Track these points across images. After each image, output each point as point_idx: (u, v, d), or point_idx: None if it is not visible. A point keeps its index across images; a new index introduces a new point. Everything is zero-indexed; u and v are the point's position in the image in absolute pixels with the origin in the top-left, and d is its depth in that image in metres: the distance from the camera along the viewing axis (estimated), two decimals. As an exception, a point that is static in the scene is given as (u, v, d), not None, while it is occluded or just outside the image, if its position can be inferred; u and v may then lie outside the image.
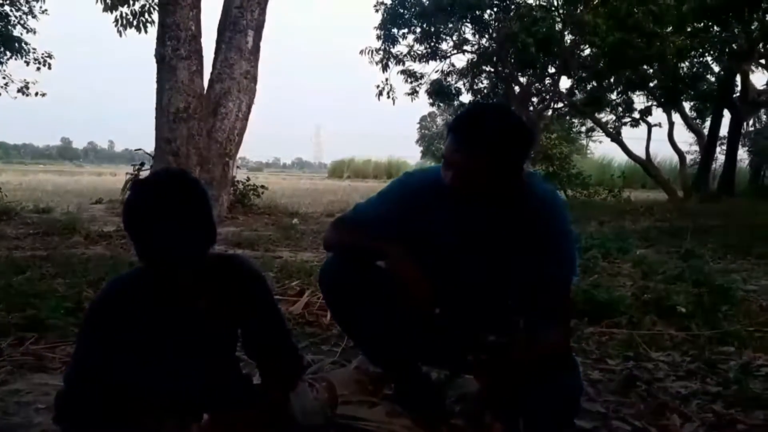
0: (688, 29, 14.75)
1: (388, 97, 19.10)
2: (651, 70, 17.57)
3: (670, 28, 15.07)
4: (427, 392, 2.25)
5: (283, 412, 1.76)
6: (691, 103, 19.77)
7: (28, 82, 16.33)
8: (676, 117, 19.78)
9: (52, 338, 3.12)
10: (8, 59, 16.05)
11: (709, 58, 17.78)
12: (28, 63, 15.91)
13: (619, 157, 23.90)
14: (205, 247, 1.60)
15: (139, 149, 11.19)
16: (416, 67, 19.54)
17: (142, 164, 10.57)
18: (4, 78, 16.22)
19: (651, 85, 18.33)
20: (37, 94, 16.38)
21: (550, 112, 19.98)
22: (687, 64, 17.68)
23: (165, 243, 1.51)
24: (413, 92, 19.96)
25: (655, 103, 19.48)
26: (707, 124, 19.72)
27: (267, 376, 1.83)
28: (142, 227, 1.54)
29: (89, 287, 4.11)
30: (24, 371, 2.71)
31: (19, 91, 16.25)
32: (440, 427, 2.06)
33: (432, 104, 21.59)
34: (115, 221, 8.40)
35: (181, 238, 1.52)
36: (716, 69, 18.33)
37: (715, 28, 15.42)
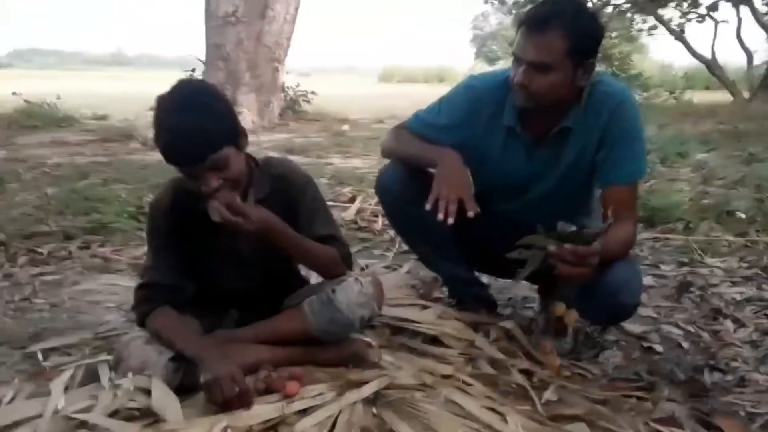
0: None
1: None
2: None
3: None
4: (480, 295, 2.29)
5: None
6: (763, -2, 18.50)
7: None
8: (745, 12, 18.59)
9: (117, 241, 3.27)
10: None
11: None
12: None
13: (681, 58, 22.82)
14: (225, 149, 1.61)
15: (190, 54, 11.18)
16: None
17: (194, 70, 10.58)
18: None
19: (720, -23, 17.17)
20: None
21: (610, 9, 19.02)
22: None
23: (180, 152, 1.56)
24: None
25: (724, -3, 18.31)
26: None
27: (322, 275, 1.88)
28: (160, 139, 1.58)
29: (150, 192, 4.24)
30: (93, 272, 2.86)
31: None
32: (490, 330, 2.11)
33: (485, 2, 20.78)
34: (170, 128, 8.52)
35: (195, 143, 1.54)
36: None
37: None
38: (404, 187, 2.08)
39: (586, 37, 1.81)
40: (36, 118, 8.70)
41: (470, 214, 1.84)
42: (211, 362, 1.54)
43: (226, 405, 1.49)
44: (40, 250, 3.10)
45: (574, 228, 1.64)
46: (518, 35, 1.84)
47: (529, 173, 2.04)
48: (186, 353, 1.61)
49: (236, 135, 1.65)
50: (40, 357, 1.98)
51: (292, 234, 1.72)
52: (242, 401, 1.50)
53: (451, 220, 1.83)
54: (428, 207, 1.86)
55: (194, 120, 1.55)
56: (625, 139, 1.92)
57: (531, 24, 1.80)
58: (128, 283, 2.56)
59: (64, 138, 7.57)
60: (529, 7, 19.07)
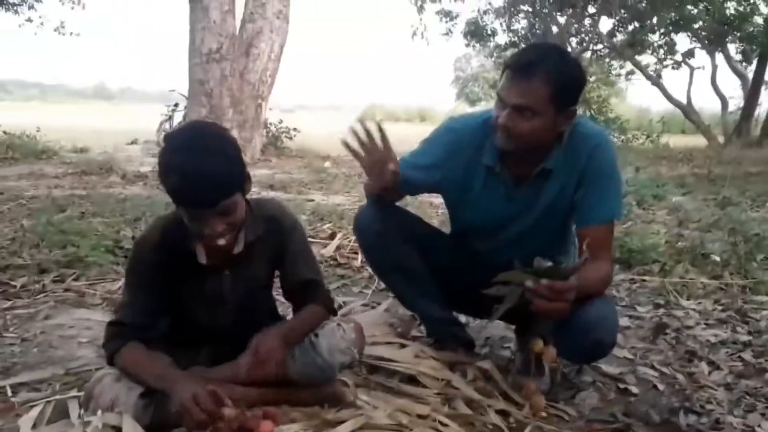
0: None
1: (422, 37, 18.80)
2: (696, 10, 16.91)
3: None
4: (458, 334, 2.29)
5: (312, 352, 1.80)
6: (737, 46, 19.02)
7: (63, 22, 16.38)
8: (720, 60, 19.11)
9: (92, 275, 3.22)
10: (42, -2, 16.09)
11: (757, -2, 17.02)
12: (63, 2, 15.95)
13: (657, 103, 23.31)
14: (235, 196, 1.61)
15: (173, 90, 11.23)
16: (452, 6, 19.13)
17: (177, 105, 10.62)
18: (40, 17, 16.27)
19: (695, 26, 17.65)
20: (71, 33, 16.43)
21: (588, 54, 19.46)
22: (734, 3, 16.96)
23: (194, 195, 1.54)
24: (448, 32, 19.60)
25: (698, 45, 18.81)
26: (752, 67, 19.02)
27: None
28: (172, 179, 1.56)
29: (127, 226, 4.21)
30: (66, 306, 2.82)
31: (55, 30, 16.30)
32: (468, 369, 2.10)
33: (467, 45, 21.16)
34: (150, 161, 8.51)
35: (210, 188, 1.54)
36: (764, 9, 17.56)
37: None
38: (382, 227, 2.09)
39: (569, 85, 1.84)
40: (15, 150, 8.65)
41: (391, 166, 1.87)
42: (180, 389, 1.51)
43: (199, 427, 1.47)
44: (13, 283, 3.05)
45: (550, 263, 1.66)
46: (503, 78, 1.87)
47: (509, 212, 2.06)
48: (154, 385, 1.59)
49: (245, 181, 1.66)
50: (9, 392, 1.94)
51: (293, 336, 1.77)
52: (213, 421, 1.48)
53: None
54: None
55: (213, 165, 1.53)
56: (602, 180, 1.94)
57: (516, 69, 1.83)
58: (102, 317, 2.53)
59: (43, 170, 7.52)
60: (510, 50, 19.44)
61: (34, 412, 1.60)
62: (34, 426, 1.55)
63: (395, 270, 2.19)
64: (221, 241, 1.62)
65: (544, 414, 1.91)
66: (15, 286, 3.01)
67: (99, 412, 1.54)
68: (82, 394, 1.69)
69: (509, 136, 1.86)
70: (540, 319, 1.75)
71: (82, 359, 2.21)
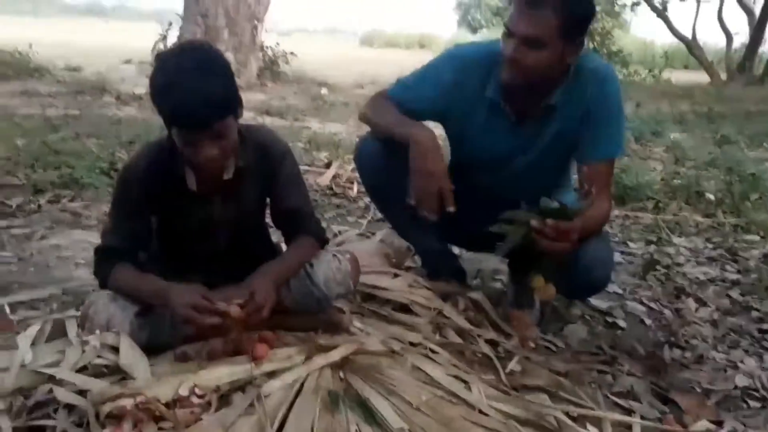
0: None
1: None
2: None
3: None
4: (451, 266, 2.32)
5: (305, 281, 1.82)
6: (747, -21, 18.56)
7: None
8: (728, -7, 18.67)
9: (87, 197, 3.23)
10: None
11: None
12: None
13: (662, 36, 22.88)
14: (228, 119, 1.59)
15: (168, 8, 10.93)
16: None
17: (170, 24, 10.36)
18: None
19: (706, -43, 17.19)
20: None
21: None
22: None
23: (188, 116, 1.52)
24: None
25: (708, -23, 18.36)
26: (760, 2, 18.60)
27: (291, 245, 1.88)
28: (166, 100, 1.54)
29: (122, 148, 4.19)
30: (63, 227, 2.83)
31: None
32: (459, 300, 2.14)
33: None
34: (144, 83, 8.27)
35: (204, 110, 1.51)
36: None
37: None
38: (383, 158, 2.07)
39: (578, 15, 1.81)
40: (7, 67, 8.47)
41: (450, 209, 1.85)
42: (178, 299, 1.54)
43: (203, 332, 1.53)
44: (8, 202, 3.05)
45: (556, 204, 1.66)
46: (512, 9, 1.83)
47: (511, 148, 2.05)
48: (150, 299, 1.62)
49: (238, 104, 1.63)
50: (7, 310, 1.97)
51: (285, 274, 1.75)
52: (217, 325, 1.52)
53: (434, 217, 1.85)
54: (412, 202, 1.88)
55: (207, 84, 1.50)
56: (607, 118, 1.93)
57: (525, 0, 1.79)
58: (97, 239, 2.53)
59: (36, 88, 7.39)
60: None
61: (33, 330, 1.62)
62: (33, 343, 1.57)
63: (393, 201, 2.18)
64: (214, 165, 1.61)
65: (533, 345, 1.95)
66: (11, 206, 3.01)
67: (97, 332, 1.57)
68: (79, 313, 1.71)
69: (517, 70, 1.83)
70: (542, 258, 1.77)
71: (79, 279, 2.24)
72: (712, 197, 3.76)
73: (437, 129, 1.99)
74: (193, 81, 1.49)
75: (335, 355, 1.65)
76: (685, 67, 21.57)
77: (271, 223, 1.96)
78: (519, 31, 1.78)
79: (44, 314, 1.87)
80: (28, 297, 2.07)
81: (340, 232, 2.94)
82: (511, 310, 2.16)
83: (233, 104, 1.59)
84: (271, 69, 10.68)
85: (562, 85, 1.91)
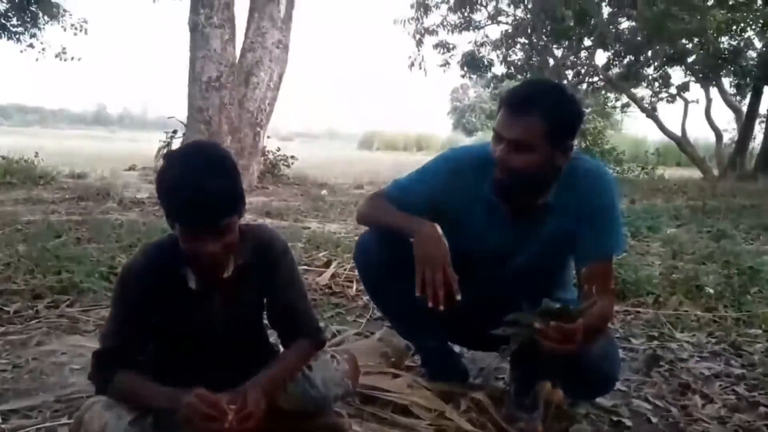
0: (730, 2, 14.29)
1: (420, 68, 19.09)
2: (690, 45, 17.13)
3: (711, 1, 14.64)
4: (452, 366, 2.29)
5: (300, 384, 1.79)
6: (731, 80, 19.25)
7: (64, 48, 16.49)
8: (714, 93, 19.31)
9: (86, 302, 3.22)
10: (46, 24, 16.25)
11: (751, 33, 17.24)
12: (65, 29, 16.11)
13: (653, 134, 23.47)
14: (232, 218, 1.62)
15: (172, 117, 11.29)
16: (449, 38, 19.40)
17: (175, 132, 10.66)
18: (42, 43, 16.40)
19: (690, 60, 17.87)
20: (72, 58, 16.51)
21: (584, 86, 19.65)
22: (728, 38, 17.20)
23: (193, 213, 1.54)
24: (445, 64, 19.83)
25: (693, 78, 19.00)
26: (746, 101, 19.22)
27: (288, 348, 1.86)
28: (171, 196, 1.57)
29: (122, 252, 4.21)
30: (59, 333, 2.81)
31: (56, 56, 16.42)
32: (461, 400, 2.10)
33: (464, 76, 21.41)
34: (147, 188, 8.52)
35: (210, 207, 1.54)
36: (758, 44, 17.81)
37: (758, 1, 14.95)
38: (383, 257, 2.09)
39: (565, 120, 1.85)
40: (13, 175, 8.66)
41: (458, 297, 1.85)
42: (184, 398, 1.51)
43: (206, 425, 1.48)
44: (6, 308, 3.04)
45: (558, 305, 1.66)
46: (500, 113, 1.88)
47: (508, 246, 2.06)
48: (157, 402, 1.58)
49: (243, 204, 1.66)
50: (-1, 419, 1.93)
51: (280, 380, 1.73)
52: (219, 419, 1.48)
53: (441, 307, 1.83)
54: (418, 293, 1.87)
55: (216, 182, 1.53)
56: (603, 215, 1.94)
57: (512, 104, 1.84)
58: (95, 344, 2.51)
59: (40, 195, 7.53)
60: (507, 82, 19.47)
61: (24, 440, 1.59)
62: (24, 454, 1.54)
63: (393, 300, 2.18)
64: (216, 262, 1.62)
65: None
66: (8, 312, 3.00)
67: (89, 441, 1.53)
68: (72, 421, 1.68)
69: (506, 171, 1.86)
70: (547, 361, 1.75)
71: (74, 386, 2.20)
72: (711, 291, 3.75)
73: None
74: (201, 179, 1.51)
75: (334, 461, 1.61)
76: (678, 164, 22.04)
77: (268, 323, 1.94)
78: (507, 135, 1.82)
79: (37, 422, 1.83)
80: (21, 405, 2.03)
81: (338, 332, 2.92)
82: (512, 411, 2.11)
83: (238, 203, 1.63)
84: (273, 172, 10.93)
85: (557, 184, 1.95)
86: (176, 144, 10.27)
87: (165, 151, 10.34)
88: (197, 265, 1.67)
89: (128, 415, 1.60)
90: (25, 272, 3.58)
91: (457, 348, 2.48)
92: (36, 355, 2.52)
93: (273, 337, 1.99)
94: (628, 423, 2.17)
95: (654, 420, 2.21)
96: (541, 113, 1.79)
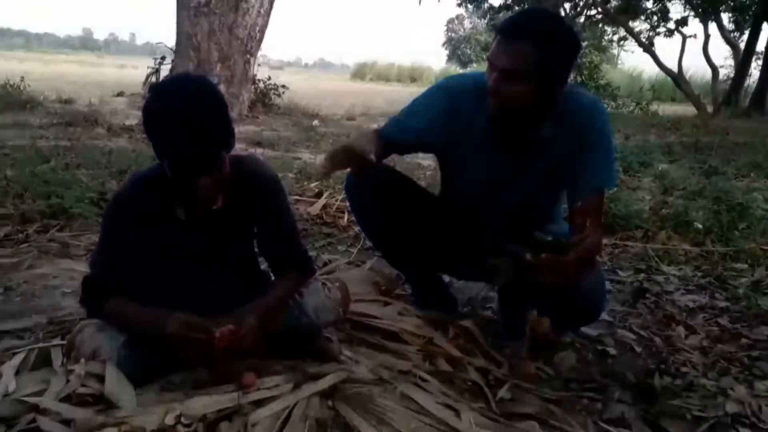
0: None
1: (415, -4, 18.65)
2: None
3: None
4: (441, 295, 2.31)
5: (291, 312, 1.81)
6: (730, 15, 18.95)
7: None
8: (713, 29, 19.05)
9: (76, 227, 3.21)
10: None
11: (752, -34, 16.91)
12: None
13: (648, 70, 23.21)
14: (222, 151, 1.60)
15: (161, 43, 11.04)
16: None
17: (164, 58, 10.44)
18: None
19: (690, -7, 17.55)
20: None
21: (582, 19, 19.31)
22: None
23: (183, 148, 1.52)
24: (441, -8, 19.38)
25: (692, 12, 18.70)
26: (744, 38, 18.98)
27: (278, 277, 1.88)
28: (160, 131, 1.54)
29: (112, 179, 4.18)
30: (50, 257, 2.81)
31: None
32: (449, 328, 2.13)
33: (460, 5, 20.96)
34: (136, 115, 8.38)
35: (199, 142, 1.52)
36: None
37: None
38: (373, 187, 2.07)
39: (559, 50, 1.80)
40: (-1, 100, 8.50)
41: (371, 157, 1.82)
42: (173, 321, 1.55)
43: (194, 348, 1.53)
44: (-4, 232, 3.03)
45: (550, 238, 1.67)
46: (494, 42, 1.84)
47: (501, 178, 2.05)
48: (147, 325, 1.61)
49: (231, 136, 1.64)
50: (-8, 340, 1.95)
51: (273, 310, 1.74)
52: (207, 343, 1.52)
53: (327, 167, 1.82)
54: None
55: (205, 117, 1.51)
56: (596, 150, 1.92)
57: (506, 33, 1.80)
58: (85, 268, 2.52)
59: (27, 120, 7.40)
60: (504, 13, 19.08)
61: (17, 360, 1.61)
62: (17, 373, 1.55)
63: (384, 230, 2.19)
64: (206, 196, 1.61)
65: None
66: (-2, 236, 2.99)
67: (82, 361, 1.55)
68: (64, 342, 1.70)
69: (498, 101, 1.83)
70: (536, 291, 1.77)
71: (66, 309, 2.21)
72: (700, 226, 3.78)
73: (425, 159, 2.00)
74: (188, 114, 1.49)
75: (324, 384, 1.64)
76: (672, 99, 21.88)
77: (259, 252, 1.95)
78: (498, 64, 1.79)
79: (29, 343, 1.84)
80: (13, 326, 2.05)
81: (329, 261, 2.93)
82: (498, 338, 2.15)
83: (227, 136, 1.60)
84: (263, 101, 10.77)
85: (552, 117, 1.92)
86: (165, 71, 10.07)
87: (153, 78, 10.17)
88: (188, 197, 1.66)
89: (120, 336, 1.62)
90: (14, 196, 3.55)
91: (446, 278, 2.50)
92: (27, 278, 2.53)
93: (264, 265, 2.00)
94: (612, 352, 2.22)
95: (638, 349, 2.26)
96: (534, 42, 1.75)
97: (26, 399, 1.44)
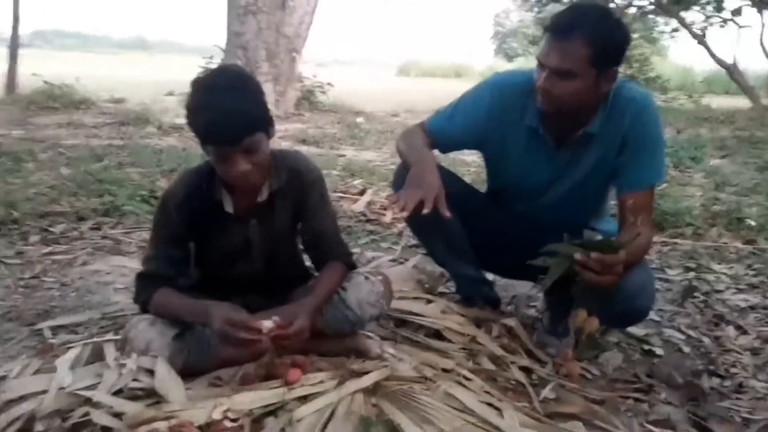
0: None
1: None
2: (747, -34, 16.24)
3: None
4: (486, 293, 2.31)
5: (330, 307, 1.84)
6: (789, 3, 18.26)
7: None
8: (769, 18, 18.39)
9: (128, 224, 3.31)
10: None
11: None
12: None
13: (700, 63, 22.55)
14: (258, 134, 1.63)
15: (215, 45, 11.21)
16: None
17: (211, 57, 10.61)
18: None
19: (746, -18, 16.98)
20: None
21: (632, 10, 18.89)
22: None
23: (218, 126, 1.56)
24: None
25: (747, 2, 18.11)
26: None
27: (320, 273, 1.91)
28: (196, 115, 1.59)
29: (163, 177, 4.29)
30: (103, 253, 2.91)
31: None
32: (493, 326, 2.12)
33: (506, -1, 20.70)
34: (185, 113, 8.55)
35: (233, 119, 1.56)
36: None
37: None
38: None
39: (609, 45, 1.79)
40: (54, 100, 8.76)
41: (447, 214, 1.81)
42: (215, 313, 1.58)
43: (239, 345, 1.57)
44: (52, 229, 3.14)
45: (599, 236, 1.65)
46: (543, 41, 1.83)
47: (549, 175, 2.05)
48: (189, 316, 1.67)
49: (269, 123, 1.68)
50: (48, 334, 2.02)
51: (320, 306, 1.78)
52: (253, 340, 1.56)
53: (404, 214, 1.79)
54: (393, 196, 1.87)
55: (237, 101, 1.57)
56: (647, 145, 1.91)
57: (555, 30, 1.79)
58: (137, 265, 2.59)
59: (81, 120, 7.63)
60: (551, 6, 18.79)
61: (72, 354, 1.67)
62: (72, 367, 1.61)
63: (431, 227, 2.18)
64: (247, 181, 1.64)
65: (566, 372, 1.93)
66: (54, 233, 3.11)
67: (134, 355, 1.60)
68: (118, 337, 1.75)
69: (549, 100, 1.83)
70: (584, 291, 1.76)
71: (118, 304, 2.29)
72: (753, 223, 3.68)
73: (470, 156, 1.99)
74: (223, 98, 1.56)
75: (367, 381, 1.65)
76: (726, 92, 21.20)
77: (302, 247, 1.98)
78: (549, 63, 1.79)
79: (83, 338, 1.91)
80: (68, 321, 2.13)
81: (373, 258, 2.95)
82: (543, 338, 2.14)
83: (262, 121, 1.65)
84: (309, 99, 10.84)
85: (601, 113, 1.90)
86: (214, 69, 10.23)
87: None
88: (232, 186, 1.71)
89: (171, 331, 1.67)
90: (69, 195, 3.68)
91: (490, 276, 2.50)
92: (81, 274, 2.62)
93: (308, 261, 2.04)
94: (659, 352, 2.18)
95: (686, 350, 2.22)
96: (584, 38, 1.74)
97: (80, 392, 1.49)
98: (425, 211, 1.77)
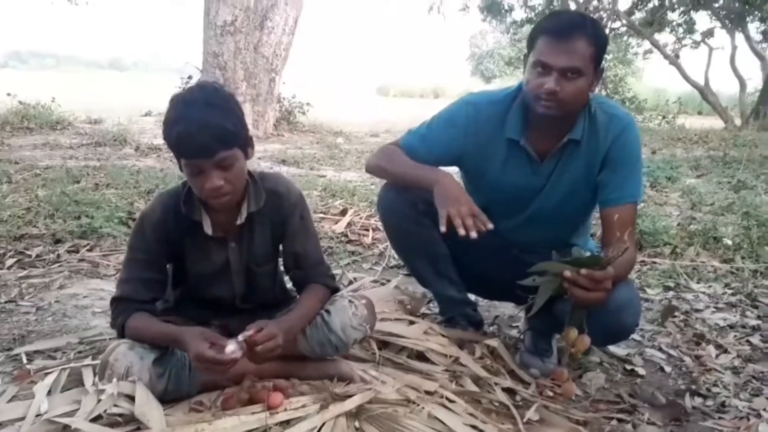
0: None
1: (439, 12, 18.74)
2: (717, -11, 16.61)
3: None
4: (469, 314, 2.30)
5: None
6: (758, 26, 18.70)
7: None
8: (740, 40, 18.81)
9: (106, 246, 3.27)
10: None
11: (780, -23, 16.67)
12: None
13: (673, 84, 22.94)
14: (232, 150, 1.62)
15: (188, 63, 11.20)
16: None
17: (190, 77, 10.58)
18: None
19: (716, 4, 17.36)
20: (87, 2, 16.29)
21: (606, 32, 19.21)
22: (756, -18, 16.63)
23: (190, 136, 1.55)
24: (465, 8, 19.41)
25: (718, 24, 18.50)
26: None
27: (302, 294, 1.89)
28: (170, 128, 1.58)
29: (140, 198, 4.25)
30: (80, 276, 2.86)
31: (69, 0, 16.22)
32: (476, 347, 2.12)
33: (484, 20, 20.98)
34: (164, 134, 8.50)
35: (206, 130, 1.54)
36: (788, -11, 17.22)
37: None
38: (405, 205, 2.09)
39: (604, 44, 1.89)
40: (30, 120, 8.67)
41: (490, 226, 1.81)
42: (190, 337, 1.56)
43: (216, 368, 1.54)
44: (28, 252, 3.09)
45: (587, 253, 1.67)
46: (540, 44, 1.86)
47: (532, 188, 2.06)
48: (165, 340, 1.64)
49: (246, 141, 1.68)
50: (24, 359, 1.98)
51: (297, 325, 1.76)
52: (226, 362, 1.53)
53: (474, 234, 1.79)
54: (443, 229, 1.83)
55: (212, 114, 1.57)
56: (628, 162, 1.96)
57: (557, 32, 1.83)
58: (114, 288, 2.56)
59: (58, 141, 7.55)
60: (526, 27, 19.03)
61: (49, 380, 1.63)
62: (49, 393, 1.58)
63: (415, 248, 2.18)
64: (221, 198, 1.63)
65: (550, 393, 1.93)
66: (30, 256, 3.06)
67: (114, 380, 1.57)
68: (96, 362, 1.72)
69: (556, 102, 1.85)
70: (573, 309, 1.76)
71: (96, 328, 2.25)
72: (729, 242, 3.72)
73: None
74: (198, 111, 1.56)
75: (351, 404, 1.64)
76: (699, 113, 21.61)
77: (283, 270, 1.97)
78: (558, 64, 1.81)
79: (61, 363, 1.87)
80: (45, 346, 2.08)
81: (355, 279, 2.94)
82: (525, 358, 2.14)
83: (239, 137, 1.64)
84: (288, 119, 10.85)
85: (581, 120, 1.96)
86: (191, 90, 10.19)
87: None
88: (206, 203, 1.69)
89: (151, 355, 1.64)
90: (45, 217, 3.63)
91: (472, 297, 2.49)
92: (58, 298, 2.58)
93: (290, 284, 2.02)
94: (642, 371, 2.19)
95: (667, 369, 2.23)
96: (588, 36, 1.83)
97: (58, 419, 1.46)
98: (489, 226, 1.80)
